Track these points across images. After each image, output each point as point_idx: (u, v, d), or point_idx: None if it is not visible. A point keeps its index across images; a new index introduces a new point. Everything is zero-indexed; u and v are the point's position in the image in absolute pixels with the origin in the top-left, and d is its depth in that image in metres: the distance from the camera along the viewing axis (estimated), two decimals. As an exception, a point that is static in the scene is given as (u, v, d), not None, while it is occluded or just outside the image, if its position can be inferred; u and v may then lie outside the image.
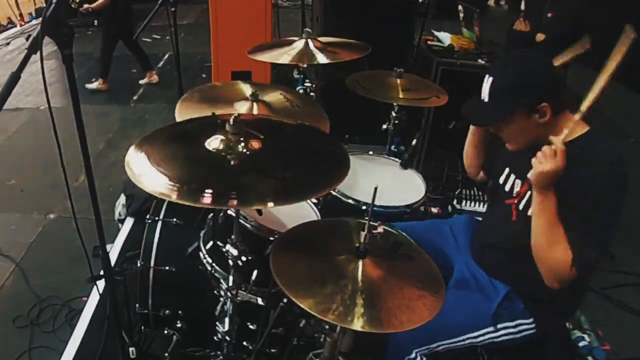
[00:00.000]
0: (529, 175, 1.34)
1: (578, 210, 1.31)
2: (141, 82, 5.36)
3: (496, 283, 1.58)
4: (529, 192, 1.48)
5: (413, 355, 1.51)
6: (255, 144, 1.26)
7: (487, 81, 1.41)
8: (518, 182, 1.55)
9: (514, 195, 1.55)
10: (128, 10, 4.98)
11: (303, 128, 1.50)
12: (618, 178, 1.32)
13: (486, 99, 1.41)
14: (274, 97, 1.93)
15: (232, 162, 1.21)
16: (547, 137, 1.38)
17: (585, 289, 1.70)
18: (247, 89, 1.91)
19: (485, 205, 2.61)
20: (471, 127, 1.76)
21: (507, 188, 1.59)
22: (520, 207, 1.51)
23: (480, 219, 1.87)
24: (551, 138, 1.31)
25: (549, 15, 3.19)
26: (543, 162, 1.29)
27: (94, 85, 5.05)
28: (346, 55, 2.15)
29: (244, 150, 1.24)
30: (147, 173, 1.16)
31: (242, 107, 1.81)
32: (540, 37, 3.34)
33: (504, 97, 1.38)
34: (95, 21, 6.88)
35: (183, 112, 1.77)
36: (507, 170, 1.60)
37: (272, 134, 1.33)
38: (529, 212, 1.43)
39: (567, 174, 1.31)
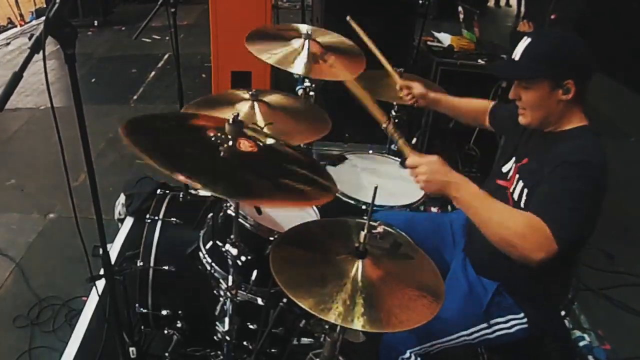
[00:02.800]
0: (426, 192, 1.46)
1: (550, 191, 1.33)
2: None
3: (485, 281, 1.59)
4: (517, 176, 1.49)
5: (407, 355, 1.51)
6: (247, 146, 1.27)
7: (524, 42, 1.43)
8: (514, 166, 1.57)
9: (508, 178, 1.57)
10: None
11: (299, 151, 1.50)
12: (589, 169, 1.31)
13: (517, 58, 1.44)
14: (275, 100, 1.93)
15: (222, 153, 1.23)
16: (561, 119, 1.43)
17: (572, 282, 1.69)
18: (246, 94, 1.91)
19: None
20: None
21: (504, 169, 1.61)
22: (511, 190, 1.52)
23: None
24: (406, 162, 1.41)
25: (553, 17, 3.19)
26: (421, 178, 1.36)
27: None
28: (340, 75, 2.09)
29: (235, 148, 1.25)
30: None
31: (243, 107, 1.81)
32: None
33: (536, 59, 1.41)
34: (96, 21, 6.89)
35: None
36: (511, 156, 1.62)
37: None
38: (516, 197, 1.47)
39: (549, 161, 1.35)
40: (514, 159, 1.59)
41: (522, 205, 1.45)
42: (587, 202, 1.30)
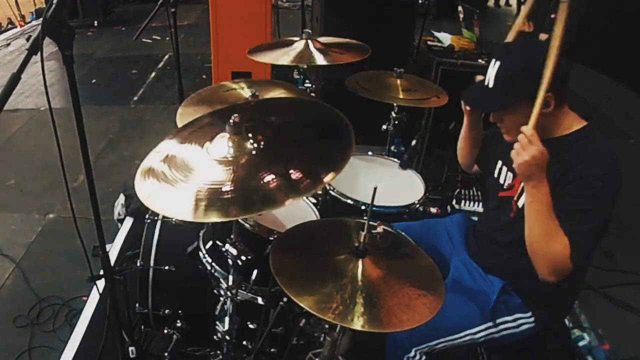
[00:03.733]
0: (513, 166, 1.35)
1: (576, 204, 1.32)
2: None
3: (492, 278, 1.59)
4: (521, 185, 1.49)
5: (412, 353, 1.51)
6: (260, 137, 1.25)
7: (494, 66, 1.38)
8: (510, 174, 1.56)
9: (506, 187, 1.56)
10: None
11: (300, 103, 1.48)
12: (616, 178, 1.33)
13: (491, 85, 1.39)
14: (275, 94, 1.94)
15: (241, 161, 1.21)
16: (547, 128, 1.39)
17: (582, 282, 1.69)
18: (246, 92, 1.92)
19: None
20: (465, 121, 1.73)
21: (501, 181, 1.60)
22: (520, 204, 1.50)
23: (475, 218, 1.88)
24: (521, 128, 1.31)
25: (553, 16, 3.18)
26: (521, 153, 1.30)
27: None
28: (346, 58, 2.15)
29: (254, 146, 1.23)
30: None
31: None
32: (543, 37, 3.33)
33: (510, 83, 1.36)
34: (96, 22, 6.90)
35: (184, 118, 1.78)
36: (499, 163, 1.61)
37: (271, 123, 1.33)
38: (520, 205, 1.45)
39: (566, 173, 1.33)
40: (506, 168, 1.57)
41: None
42: (603, 217, 1.33)
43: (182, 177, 1.20)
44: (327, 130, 1.36)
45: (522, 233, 1.39)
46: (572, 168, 1.34)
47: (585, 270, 1.65)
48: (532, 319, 1.54)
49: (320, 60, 2.12)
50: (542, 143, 1.31)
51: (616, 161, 1.34)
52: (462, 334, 1.53)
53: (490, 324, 1.53)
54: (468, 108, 1.66)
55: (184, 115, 1.82)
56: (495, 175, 1.63)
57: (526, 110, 1.35)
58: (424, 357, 1.53)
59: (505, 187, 1.57)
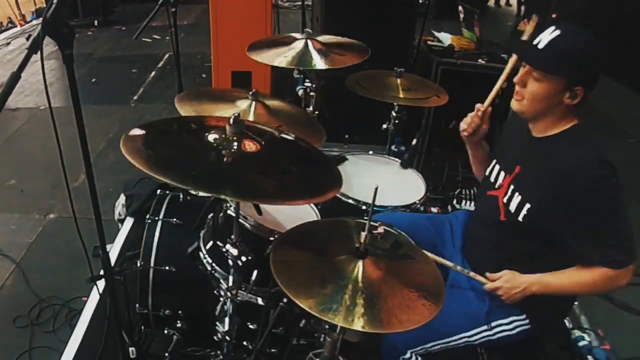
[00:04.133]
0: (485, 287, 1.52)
1: (585, 223, 1.35)
2: None
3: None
4: (511, 187, 1.49)
5: (408, 355, 1.51)
6: (251, 146, 1.27)
7: (552, 31, 1.36)
8: (502, 174, 1.56)
9: (497, 187, 1.56)
10: None
11: (301, 142, 1.50)
12: (609, 174, 1.33)
13: (541, 46, 1.37)
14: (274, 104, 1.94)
15: (225, 159, 1.23)
16: (555, 120, 1.42)
17: None
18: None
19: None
20: (468, 146, 1.78)
21: (492, 179, 1.60)
22: (505, 201, 1.52)
23: None
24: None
25: (554, 16, 3.19)
26: (511, 297, 1.47)
27: None
28: (345, 60, 2.14)
29: (238, 150, 1.25)
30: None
31: (242, 105, 1.80)
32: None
33: (560, 55, 1.34)
34: (96, 21, 6.89)
35: (183, 109, 1.77)
36: (493, 161, 1.62)
37: (271, 142, 1.35)
38: (512, 209, 1.47)
39: (560, 188, 1.35)
40: (498, 167, 1.59)
41: (520, 219, 1.45)
42: (620, 214, 1.35)
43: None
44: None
45: (512, 238, 1.42)
46: (563, 179, 1.35)
47: None
48: (526, 321, 1.54)
49: (319, 64, 2.10)
50: (530, 140, 1.40)
51: (604, 159, 1.34)
52: (458, 336, 1.54)
53: (485, 327, 1.54)
54: (466, 134, 1.69)
55: (184, 109, 1.81)
56: (487, 174, 1.63)
57: (554, 90, 1.36)
58: (419, 359, 1.53)
59: (496, 186, 1.58)
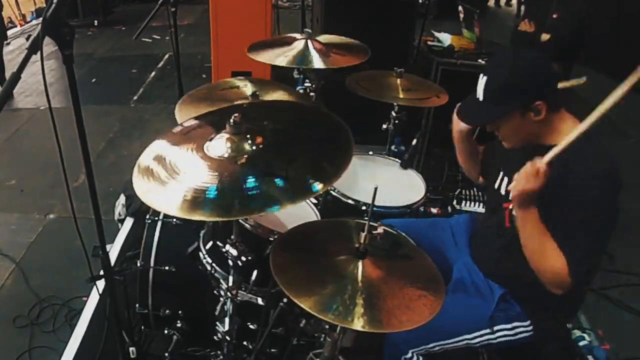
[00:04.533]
0: (509, 188, 1.36)
1: (573, 219, 1.32)
2: None
3: (493, 285, 1.58)
4: None
5: (409, 354, 1.51)
6: (259, 139, 1.24)
7: (482, 80, 1.40)
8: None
9: (510, 198, 1.54)
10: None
11: (301, 108, 1.48)
12: (611, 185, 1.32)
13: (481, 98, 1.41)
14: (275, 96, 1.93)
15: (238, 162, 1.19)
16: (543, 135, 1.40)
17: (585, 293, 1.69)
18: (247, 90, 1.92)
19: (484, 207, 2.62)
20: (454, 137, 1.75)
21: (502, 191, 1.58)
22: (511, 210, 1.50)
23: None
24: (536, 159, 1.31)
25: (554, 16, 3.18)
26: (523, 181, 1.30)
27: None
28: (345, 60, 2.15)
29: (252, 148, 1.22)
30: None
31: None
32: (545, 37, 3.34)
33: (498, 97, 1.38)
34: (96, 21, 6.90)
35: (183, 114, 1.77)
36: (501, 174, 1.60)
37: (272, 123, 1.32)
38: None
39: (558, 188, 1.32)
40: (507, 179, 1.56)
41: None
42: (602, 227, 1.33)
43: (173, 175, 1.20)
44: (326, 137, 1.35)
45: (518, 242, 1.40)
46: (564, 183, 1.33)
47: (589, 281, 1.65)
48: (530, 328, 1.54)
49: (319, 64, 2.11)
50: (535, 149, 1.33)
51: (611, 164, 1.33)
52: (459, 338, 1.54)
53: (487, 330, 1.53)
54: (453, 126, 1.69)
55: (183, 114, 1.82)
56: (496, 186, 1.61)
57: (518, 120, 1.37)
58: (420, 359, 1.53)
59: (510, 197, 1.55)
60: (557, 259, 1.31)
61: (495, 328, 1.53)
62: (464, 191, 3.01)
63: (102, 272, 1.50)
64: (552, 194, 1.32)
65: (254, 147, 1.22)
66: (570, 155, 1.33)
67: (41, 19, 1.09)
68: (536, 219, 1.33)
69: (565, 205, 1.32)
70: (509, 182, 1.54)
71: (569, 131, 1.37)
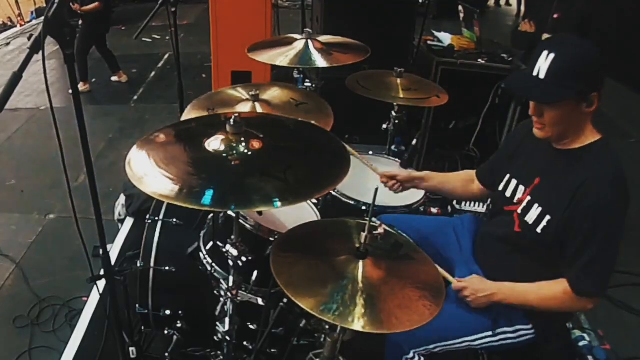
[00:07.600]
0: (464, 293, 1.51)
1: (578, 240, 1.35)
2: (113, 79, 5.44)
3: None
4: (529, 198, 1.48)
5: (411, 355, 1.51)
6: (256, 144, 1.25)
7: (547, 58, 1.31)
8: (521, 187, 1.54)
9: (515, 202, 1.54)
10: (110, 16, 5.17)
11: (302, 125, 1.49)
12: (621, 203, 1.34)
13: (542, 76, 1.32)
14: (275, 95, 1.93)
15: (232, 162, 1.20)
16: (575, 135, 1.39)
17: None
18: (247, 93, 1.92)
19: (485, 207, 2.61)
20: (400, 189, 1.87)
21: (507, 194, 1.58)
22: (520, 212, 1.50)
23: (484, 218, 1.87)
24: (452, 285, 1.51)
25: (555, 16, 3.18)
26: (476, 302, 1.50)
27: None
28: (345, 60, 2.15)
29: (245, 151, 1.23)
30: (149, 175, 1.16)
31: (244, 108, 1.81)
32: (545, 37, 3.34)
33: (563, 78, 1.30)
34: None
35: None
36: (507, 176, 1.60)
37: (271, 132, 1.32)
38: (530, 221, 1.45)
39: (572, 204, 1.35)
40: (515, 181, 1.56)
41: (539, 230, 1.43)
42: (615, 246, 1.37)
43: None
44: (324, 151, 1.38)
45: (525, 247, 1.40)
46: (577, 195, 1.34)
47: None
48: (532, 331, 1.54)
49: (320, 63, 2.11)
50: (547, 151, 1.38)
51: (622, 185, 1.34)
52: (460, 340, 1.53)
53: (489, 332, 1.53)
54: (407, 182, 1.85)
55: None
56: (501, 189, 1.61)
57: (570, 108, 1.33)
58: (422, 359, 1.53)
59: (514, 200, 1.54)
60: (553, 291, 1.40)
61: (498, 331, 1.53)
62: (464, 191, 3.01)
63: (102, 272, 1.50)
64: (569, 219, 1.36)
65: (248, 152, 1.23)
66: (582, 172, 1.35)
67: (42, 18, 1.09)
68: (506, 296, 1.47)
69: (577, 231, 1.35)
70: (519, 185, 1.55)
71: (587, 138, 1.40)
